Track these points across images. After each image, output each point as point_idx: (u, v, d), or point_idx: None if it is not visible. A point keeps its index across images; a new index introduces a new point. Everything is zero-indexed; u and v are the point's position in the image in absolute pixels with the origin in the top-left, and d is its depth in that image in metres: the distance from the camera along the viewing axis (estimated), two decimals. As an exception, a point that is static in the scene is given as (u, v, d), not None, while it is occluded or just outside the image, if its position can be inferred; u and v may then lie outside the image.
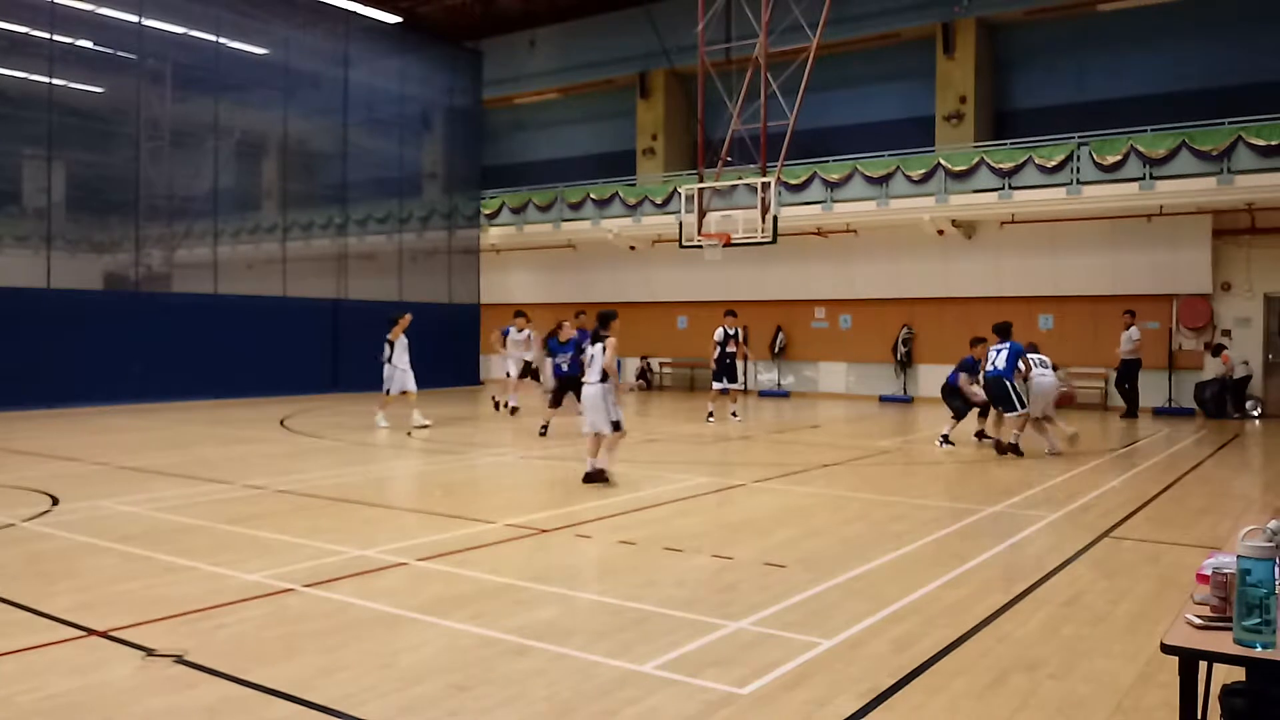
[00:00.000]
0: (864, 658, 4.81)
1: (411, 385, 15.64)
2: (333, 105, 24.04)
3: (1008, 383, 12.95)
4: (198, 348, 20.26)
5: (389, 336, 15.51)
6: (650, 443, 14.41)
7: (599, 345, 10.01)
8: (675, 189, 21.92)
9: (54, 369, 18.08)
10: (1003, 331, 13.35)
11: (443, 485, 10.90)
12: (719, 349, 16.90)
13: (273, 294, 22.45)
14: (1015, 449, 12.80)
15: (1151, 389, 20.44)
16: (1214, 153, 18.09)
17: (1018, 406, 12.88)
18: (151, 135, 21.16)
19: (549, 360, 15.59)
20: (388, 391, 15.58)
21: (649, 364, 27.26)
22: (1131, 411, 18.93)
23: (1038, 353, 13.82)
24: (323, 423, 16.74)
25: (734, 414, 17.47)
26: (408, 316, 15.93)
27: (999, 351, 13.13)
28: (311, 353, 22.82)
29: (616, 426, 9.87)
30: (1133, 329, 18.88)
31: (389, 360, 15.50)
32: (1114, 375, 19.85)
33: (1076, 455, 12.99)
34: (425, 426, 15.33)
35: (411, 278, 25.75)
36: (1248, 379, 19.23)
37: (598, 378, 9.95)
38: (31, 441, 13.61)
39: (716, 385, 17.11)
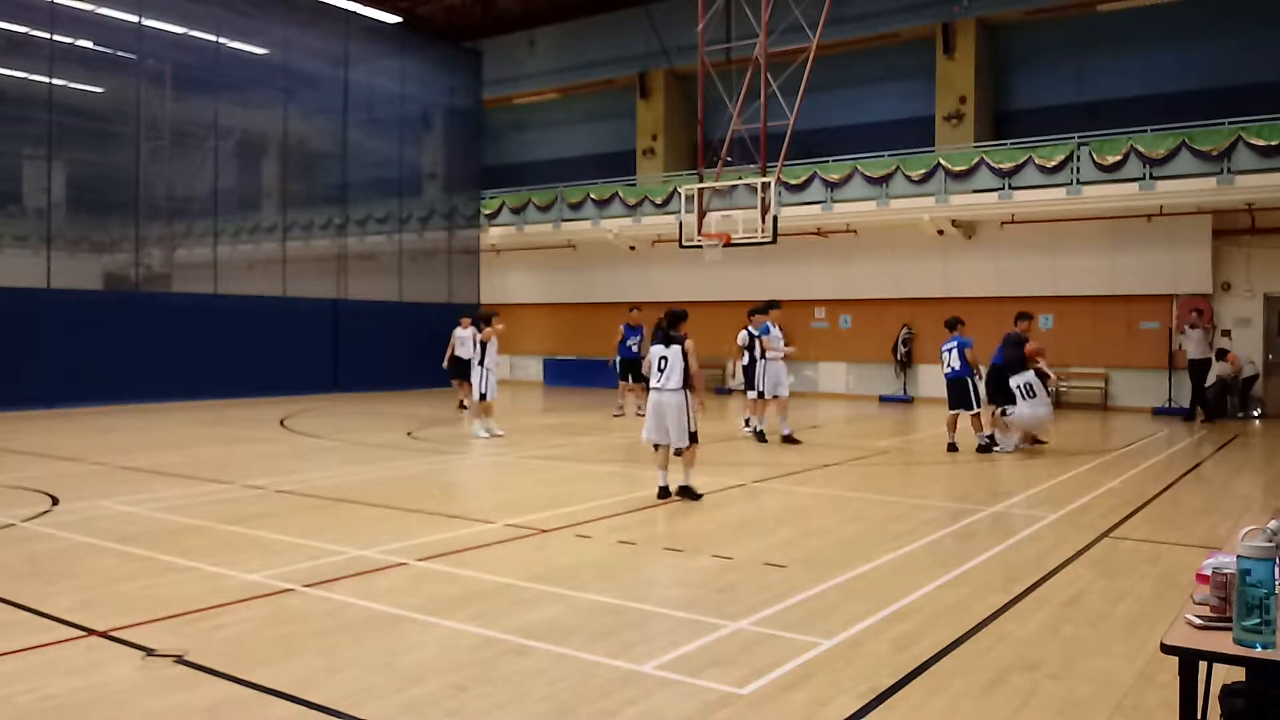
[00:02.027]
0: (864, 658, 4.81)
1: (493, 392, 14.66)
2: (333, 105, 24.06)
3: (968, 380, 13.06)
4: (198, 348, 20.27)
5: (480, 338, 14.46)
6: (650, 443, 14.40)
7: (673, 348, 9.14)
8: (675, 189, 21.92)
9: (54, 369, 18.10)
10: (951, 326, 13.49)
11: (442, 485, 10.90)
12: (745, 353, 14.68)
13: (273, 294, 22.47)
14: (989, 445, 13.07)
15: (1151, 389, 20.46)
16: (1214, 153, 18.09)
17: (974, 405, 13.12)
18: (151, 135, 21.17)
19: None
20: (483, 396, 14.46)
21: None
22: (1207, 415, 18.29)
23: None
24: (323, 423, 16.74)
25: (746, 422, 15.32)
26: (501, 326, 14.85)
27: (949, 350, 13.25)
28: (311, 353, 22.85)
29: (693, 438, 9.17)
30: (1199, 329, 18.42)
31: (480, 363, 14.42)
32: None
33: (1077, 455, 12.98)
34: (488, 437, 14.38)
35: (411, 278, 25.78)
36: (1255, 378, 19.25)
37: (678, 384, 9.06)
38: (31, 441, 13.61)
39: (751, 393, 14.71)
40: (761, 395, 14.18)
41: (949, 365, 13.25)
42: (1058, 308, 21.50)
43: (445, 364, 18.75)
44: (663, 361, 9.16)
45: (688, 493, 9.28)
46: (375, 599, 5.78)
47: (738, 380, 15.00)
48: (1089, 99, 22.23)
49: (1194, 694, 2.78)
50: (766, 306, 14.49)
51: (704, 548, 7.27)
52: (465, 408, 17.96)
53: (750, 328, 14.58)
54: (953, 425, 13.58)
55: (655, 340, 9.30)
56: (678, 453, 9.30)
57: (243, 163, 25.28)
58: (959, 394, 13.22)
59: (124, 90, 20.64)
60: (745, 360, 14.58)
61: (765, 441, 14.06)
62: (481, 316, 14.82)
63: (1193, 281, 19.93)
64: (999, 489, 10.25)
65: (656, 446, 9.31)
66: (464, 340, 18.27)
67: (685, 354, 9.08)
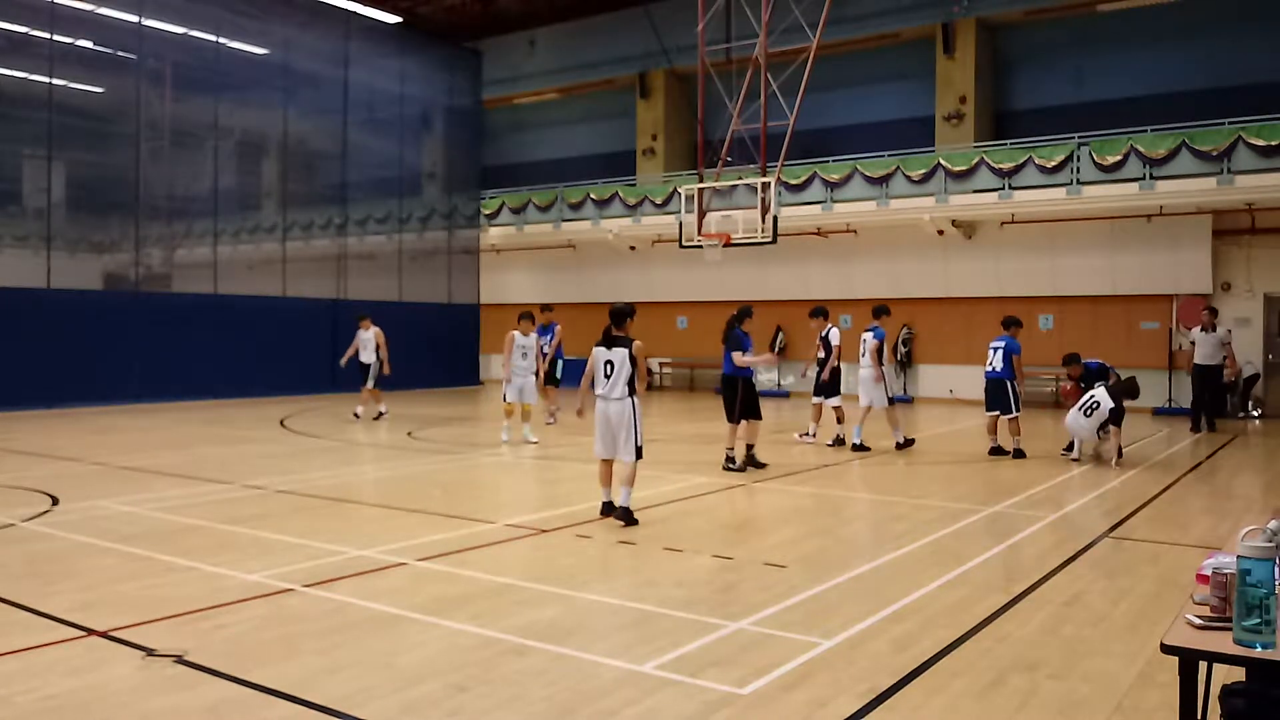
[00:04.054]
0: (864, 658, 4.81)
1: (530, 396, 13.82)
2: (333, 105, 24.06)
3: (1009, 383, 12.87)
4: (198, 348, 20.26)
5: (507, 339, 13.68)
6: (650, 443, 14.37)
7: (618, 350, 8.14)
8: (675, 189, 21.93)
9: (54, 369, 18.09)
10: (1006, 325, 13.10)
11: (442, 485, 10.90)
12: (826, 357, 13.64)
13: (273, 294, 22.46)
14: (1020, 453, 12.68)
15: (1151, 389, 20.44)
16: (1214, 153, 18.10)
17: (1014, 409, 12.82)
18: (151, 135, 21.15)
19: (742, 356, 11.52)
20: (505, 398, 13.74)
21: (648, 365, 27.32)
22: (1206, 424, 16.39)
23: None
24: (323, 423, 16.74)
25: (843, 439, 13.79)
26: (527, 327, 13.76)
27: (995, 350, 12.95)
28: (311, 353, 22.81)
29: (639, 453, 8.16)
30: (1213, 330, 16.41)
31: (505, 364, 13.70)
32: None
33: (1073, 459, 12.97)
34: (532, 443, 13.64)
35: (411, 278, 25.78)
36: (1256, 378, 19.25)
37: (625, 391, 8.07)
38: (31, 441, 13.61)
39: (823, 400, 13.85)
40: (893, 401, 13.50)
41: (992, 364, 12.91)
42: (1058, 308, 21.50)
43: (343, 362, 17.53)
44: (608, 366, 8.15)
45: (625, 515, 8.08)
46: (375, 599, 5.78)
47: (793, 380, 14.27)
48: (1089, 99, 22.24)
49: (1194, 694, 2.78)
50: (877, 311, 13.75)
51: (704, 548, 7.27)
52: (384, 413, 17.06)
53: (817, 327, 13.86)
54: (992, 428, 13.09)
55: (599, 342, 8.30)
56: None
57: (243, 163, 25.28)
58: (998, 395, 12.85)
59: (124, 90, 20.63)
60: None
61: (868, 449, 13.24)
62: (524, 314, 13.92)
63: (1193, 281, 19.94)
64: (999, 489, 10.25)
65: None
66: (366, 343, 17.16)
67: (633, 358, 8.10)
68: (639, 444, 8.13)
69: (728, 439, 11.46)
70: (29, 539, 7.47)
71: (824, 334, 13.66)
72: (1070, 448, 12.75)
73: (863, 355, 13.68)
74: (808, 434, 14.26)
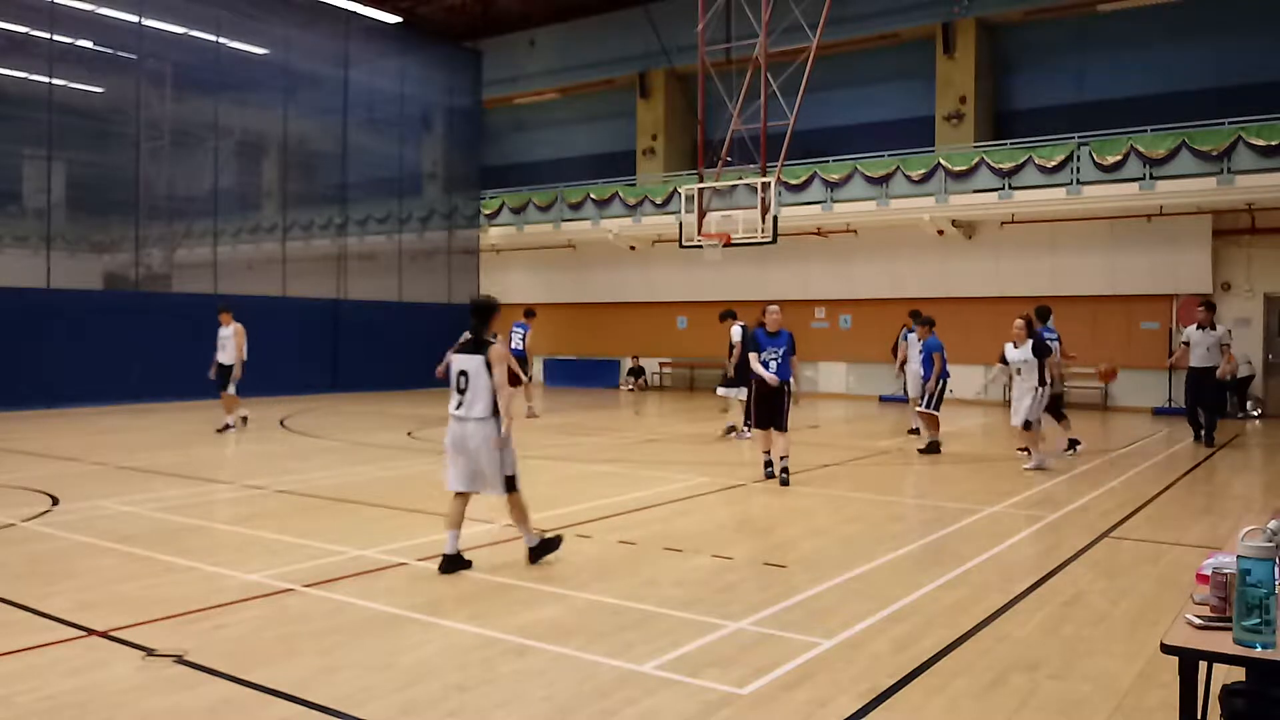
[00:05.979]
0: (864, 658, 4.81)
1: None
2: (333, 105, 24.08)
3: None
4: (198, 348, 20.20)
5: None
6: (650, 443, 14.41)
7: (476, 357, 6.38)
8: (675, 189, 21.94)
9: (54, 369, 18.10)
10: (928, 324, 13.39)
11: (443, 485, 10.90)
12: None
13: (273, 294, 22.47)
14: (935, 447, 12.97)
15: (1151, 389, 20.44)
16: (1214, 153, 18.10)
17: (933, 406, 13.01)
18: (151, 135, 21.17)
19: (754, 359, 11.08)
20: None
21: (640, 364, 27.29)
22: (1204, 436, 14.46)
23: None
24: (323, 423, 16.74)
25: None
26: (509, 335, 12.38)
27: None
28: (311, 353, 22.83)
29: (511, 484, 6.46)
30: (1212, 329, 14.49)
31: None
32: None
33: (1077, 455, 12.98)
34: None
35: (411, 278, 25.79)
36: (1250, 379, 19.24)
37: (487, 409, 6.33)
38: (31, 441, 13.60)
39: (730, 392, 14.41)
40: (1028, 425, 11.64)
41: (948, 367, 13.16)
42: (1058, 308, 21.23)
43: (211, 374, 14.80)
44: (462, 378, 6.41)
45: (544, 548, 6.69)
46: (375, 599, 5.78)
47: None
48: (1089, 99, 22.24)
49: (1194, 694, 2.78)
50: (1043, 313, 13.17)
51: (704, 548, 7.27)
52: (230, 426, 14.78)
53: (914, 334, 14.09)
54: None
55: (457, 347, 6.57)
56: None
57: (243, 163, 25.29)
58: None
59: (124, 90, 20.65)
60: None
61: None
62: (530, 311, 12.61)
63: (1193, 281, 19.94)
64: (999, 489, 10.25)
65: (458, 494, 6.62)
66: (225, 341, 14.57)
67: (490, 365, 6.34)
68: (509, 473, 6.43)
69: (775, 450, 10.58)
70: (29, 539, 7.47)
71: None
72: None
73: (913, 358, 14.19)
74: (741, 430, 14.43)
